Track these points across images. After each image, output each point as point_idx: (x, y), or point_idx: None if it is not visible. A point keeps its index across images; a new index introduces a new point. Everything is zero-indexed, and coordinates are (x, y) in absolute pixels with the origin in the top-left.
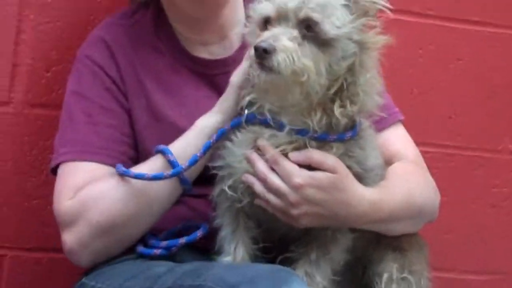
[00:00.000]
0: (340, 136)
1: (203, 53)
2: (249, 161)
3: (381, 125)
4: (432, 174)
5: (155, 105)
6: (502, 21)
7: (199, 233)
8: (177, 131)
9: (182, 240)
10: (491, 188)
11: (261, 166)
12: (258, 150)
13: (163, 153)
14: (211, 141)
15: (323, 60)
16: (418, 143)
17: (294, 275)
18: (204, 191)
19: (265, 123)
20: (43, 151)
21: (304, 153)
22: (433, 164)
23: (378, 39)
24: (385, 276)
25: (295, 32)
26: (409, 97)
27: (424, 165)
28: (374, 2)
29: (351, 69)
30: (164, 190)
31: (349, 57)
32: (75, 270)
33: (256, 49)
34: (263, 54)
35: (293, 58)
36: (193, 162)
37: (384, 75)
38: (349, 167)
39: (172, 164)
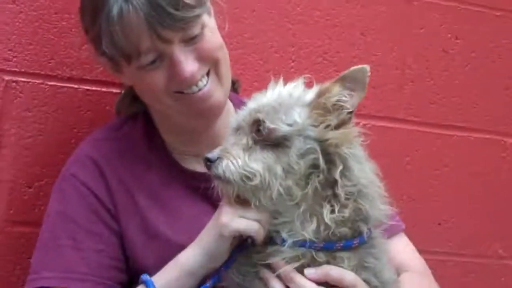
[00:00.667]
0: (347, 243)
1: (196, 166)
2: (263, 279)
3: (385, 234)
4: None
5: (150, 223)
6: (486, 126)
7: None
8: (174, 248)
9: None
10: None
11: (276, 284)
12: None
13: (146, 285)
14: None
15: (276, 161)
16: None
17: None
18: None
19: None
20: (26, 269)
21: (321, 269)
22: None
23: (340, 134)
24: None
25: (245, 139)
26: (398, 204)
27: (430, 274)
28: (337, 100)
29: (323, 170)
30: None
31: (307, 155)
32: None
33: (202, 160)
34: (207, 164)
35: (238, 164)
36: None
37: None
38: (366, 281)
39: None
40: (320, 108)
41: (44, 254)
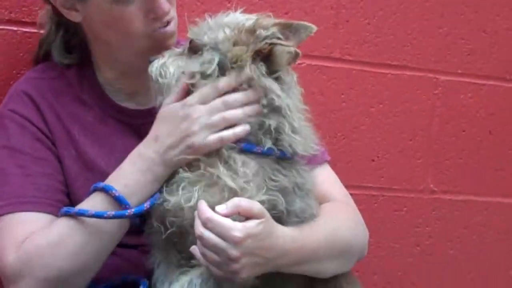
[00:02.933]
0: (248, 145)
1: (130, 103)
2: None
3: (309, 165)
4: None
5: (85, 155)
6: (419, 64)
7: None
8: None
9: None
10: (414, 228)
11: (197, 223)
12: None
13: (106, 190)
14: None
15: (185, 66)
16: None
17: None
18: (138, 241)
19: None
20: None
21: (230, 203)
22: (357, 206)
23: (239, 50)
24: None
25: (181, 49)
26: (333, 141)
27: (353, 203)
28: (267, 36)
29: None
30: (114, 230)
31: (208, 64)
32: None
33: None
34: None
35: (159, 63)
36: (140, 210)
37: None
38: (272, 203)
39: (119, 200)
40: (248, 33)
41: None
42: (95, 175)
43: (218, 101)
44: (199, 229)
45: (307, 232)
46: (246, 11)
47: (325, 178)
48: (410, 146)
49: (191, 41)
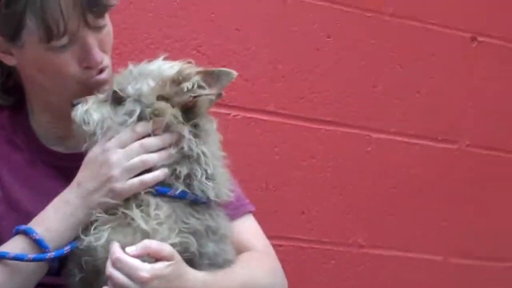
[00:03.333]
0: (161, 189)
1: (60, 147)
2: None
3: (231, 215)
4: (285, 267)
5: (12, 196)
6: (353, 121)
7: None
8: None
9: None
10: (342, 281)
11: (108, 263)
12: None
13: (27, 232)
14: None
15: (109, 116)
16: (271, 237)
17: None
18: (56, 281)
19: None
20: None
21: (140, 245)
22: (285, 257)
23: (165, 106)
24: None
25: (105, 95)
26: (264, 192)
27: (273, 254)
28: (191, 86)
29: None
30: (33, 271)
31: (130, 115)
32: None
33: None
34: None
35: (83, 109)
36: (61, 253)
37: (242, 170)
38: (184, 245)
39: (38, 243)
40: (172, 85)
41: None
42: (21, 217)
43: (135, 145)
44: (109, 269)
45: (221, 278)
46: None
47: (247, 229)
48: (341, 200)
49: (114, 92)
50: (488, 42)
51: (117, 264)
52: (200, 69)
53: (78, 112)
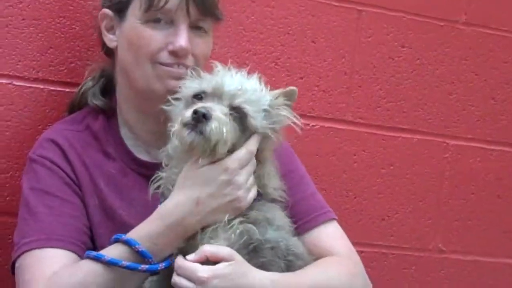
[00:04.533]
0: None
1: (146, 156)
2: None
3: (312, 223)
4: (367, 273)
5: (108, 205)
6: (430, 129)
7: None
8: (129, 230)
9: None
10: (423, 286)
11: (174, 273)
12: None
13: (129, 243)
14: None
15: (238, 140)
16: (353, 243)
17: None
18: None
19: None
20: None
21: (198, 251)
22: (367, 263)
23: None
24: None
25: (226, 110)
26: (345, 200)
27: (356, 258)
28: (287, 117)
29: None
30: (134, 278)
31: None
32: None
33: (196, 112)
34: (200, 118)
35: (223, 129)
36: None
37: (322, 179)
38: (247, 232)
39: (142, 254)
40: (276, 117)
41: (23, 226)
42: (116, 225)
43: (251, 165)
44: (174, 278)
45: (290, 277)
46: (262, 76)
47: (329, 234)
48: (420, 207)
49: (248, 121)
50: None
51: (179, 271)
52: (281, 90)
53: (211, 128)
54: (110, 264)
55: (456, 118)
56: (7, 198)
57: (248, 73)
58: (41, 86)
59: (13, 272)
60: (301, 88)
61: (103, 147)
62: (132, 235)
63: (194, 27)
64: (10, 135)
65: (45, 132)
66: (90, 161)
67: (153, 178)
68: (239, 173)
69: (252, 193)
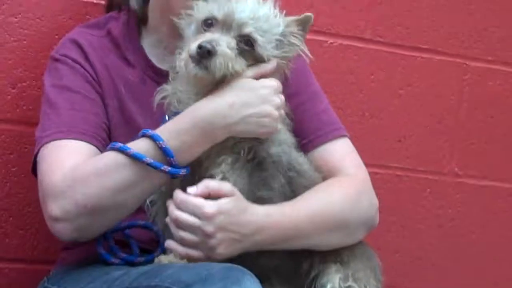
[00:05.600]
0: None
1: (165, 65)
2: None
3: (322, 138)
4: (381, 195)
5: (127, 108)
6: (450, 49)
7: (155, 254)
8: None
9: (141, 259)
10: (437, 209)
11: (171, 208)
12: None
13: (154, 139)
14: None
15: (247, 69)
16: (368, 164)
17: (247, 274)
18: None
19: None
20: (6, 164)
21: (200, 186)
22: (382, 185)
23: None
24: (329, 286)
25: (234, 43)
26: (361, 120)
27: (363, 176)
28: (297, 47)
29: None
30: (158, 177)
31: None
32: (36, 280)
33: (201, 47)
34: (205, 54)
35: (228, 65)
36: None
37: (338, 97)
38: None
39: (165, 151)
40: (284, 44)
41: (45, 120)
42: (133, 130)
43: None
44: (174, 212)
45: (286, 209)
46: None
47: (337, 151)
48: (437, 129)
49: (257, 51)
50: None
51: (182, 205)
52: (293, 18)
53: (215, 64)
54: (134, 157)
55: (477, 38)
56: (24, 108)
57: None
58: None
59: (34, 173)
60: (320, 4)
61: (123, 54)
62: (159, 130)
63: None
64: (27, 43)
65: (68, 34)
66: (111, 65)
67: (159, 88)
68: (274, 92)
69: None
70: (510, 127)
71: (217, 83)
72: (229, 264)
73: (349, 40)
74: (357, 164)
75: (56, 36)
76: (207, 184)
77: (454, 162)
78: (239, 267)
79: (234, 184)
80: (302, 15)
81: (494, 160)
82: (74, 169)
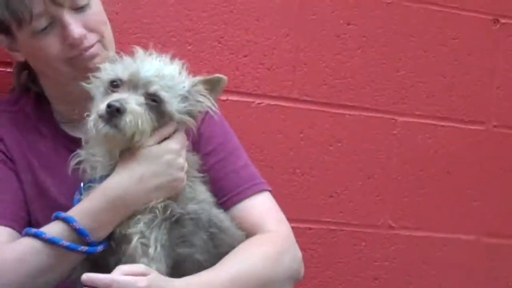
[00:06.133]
0: None
1: (79, 133)
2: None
3: (240, 196)
4: (316, 250)
5: (40, 182)
6: (378, 106)
7: None
8: (59, 207)
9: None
10: (373, 262)
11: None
12: None
13: (67, 221)
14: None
15: (155, 127)
16: (301, 220)
17: None
18: None
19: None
20: None
21: (116, 272)
22: (316, 240)
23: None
24: None
25: (142, 99)
26: (292, 177)
27: (285, 232)
28: (203, 104)
29: None
30: (73, 257)
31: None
32: None
33: (110, 106)
34: (114, 112)
35: (138, 122)
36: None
37: (268, 157)
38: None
39: (80, 232)
40: (191, 101)
41: None
42: (48, 202)
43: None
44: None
45: (205, 277)
46: (206, 55)
47: (257, 206)
48: (369, 183)
49: (163, 110)
50: (511, 24)
51: (115, 286)
52: (200, 78)
53: (125, 122)
54: (50, 242)
55: (405, 94)
56: None
57: (172, 58)
58: None
59: None
60: (246, 67)
61: (36, 127)
62: (72, 212)
63: (76, 9)
64: None
65: None
66: (23, 140)
67: (72, 154)
68: (181, 155)
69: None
70: (440, 179)
71: (127, 144)
72: None
73: (276, 100)
74: (278, 219)
75: None
76: (120, 269)
77: (387, 214)
78: None
79: (155, 241)
80: (212, 76)
81: (427, 212)
82: None
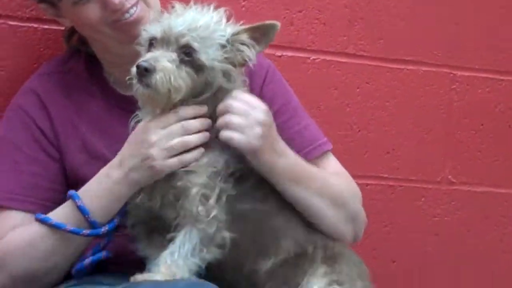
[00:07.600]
0: None
1: (130, 92)
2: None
3: (307, 157)
4: (373, 205)
5: (91, 145)
6: (436, 60)
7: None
8: None
9: (88, 260)
10: (433, 218)
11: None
12: None
13: (72, 198)
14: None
15: (194, 82)
16: (358, 176)
17: (209, 286)
18: None
19: None
20: None
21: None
22: (373, 196)
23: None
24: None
25: (174, 55)
26: (349, 133)
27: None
28: (244, 53)
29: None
30: (80, 240)
31: (214, 83)
32: None
33: (138, 67)
34: (143, 72)
35: (169, 78)
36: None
37: (324, 113)
38: None
39: (81, 209)
40: (230, 49)
41: None
42: (101, 164)
43: (177, 126)
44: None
45: (308, 168)
46: (260, 10)
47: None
48: (427, 139)
49: (197, 60)
50: None
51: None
52: (245, 27)
53: (156, 80)
54: (55, 227)
55: (463, 48)
56: None
57: (215, 8)
58: (35, 25)
59: None
60: (301, 22)
61: (87, 87)
62: (80, 189)
63: None
64: (5, 74)
65: (31, 77)
66: (72, 105)
67: (133, 115)
68: (155, 132)
69: (176, 160)
70: (501, 133)
71: (168, 102)
72: (194, 281)
73: (332, 55)
74: (346, 175)
75: (35, 65)
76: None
77: (447, 170)
78: (205, 282)
79: (220, 192)
80: (263, 22)
81: (487, 167)
82: (4, 243)
